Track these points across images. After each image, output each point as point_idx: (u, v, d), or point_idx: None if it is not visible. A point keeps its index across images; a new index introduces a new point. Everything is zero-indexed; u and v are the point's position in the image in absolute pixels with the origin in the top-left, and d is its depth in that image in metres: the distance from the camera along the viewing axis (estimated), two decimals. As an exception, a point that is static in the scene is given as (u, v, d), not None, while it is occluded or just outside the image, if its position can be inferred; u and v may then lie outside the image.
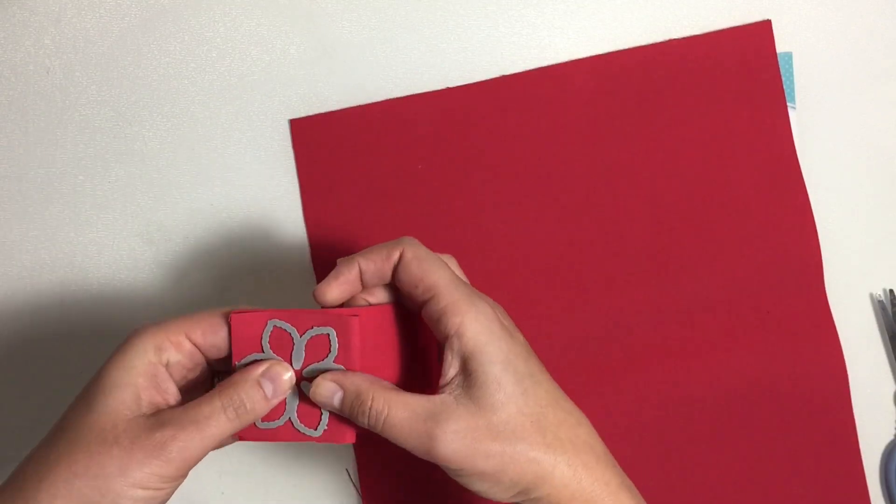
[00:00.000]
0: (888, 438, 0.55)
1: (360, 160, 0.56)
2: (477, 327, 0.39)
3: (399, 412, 0.39)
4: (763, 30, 0.57)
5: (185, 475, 0.38)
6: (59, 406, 0.41)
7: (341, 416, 0.41)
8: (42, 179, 0.57)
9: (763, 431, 0.55)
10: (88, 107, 0.58)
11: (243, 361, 0.41)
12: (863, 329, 0.56)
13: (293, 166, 0.57)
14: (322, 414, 0.42)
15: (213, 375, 0.44)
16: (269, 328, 0.41)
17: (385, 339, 0.43)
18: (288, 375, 0.40)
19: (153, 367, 0.39)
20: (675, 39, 0.57)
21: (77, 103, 0.58)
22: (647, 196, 0.56)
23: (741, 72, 0.56)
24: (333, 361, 0.41)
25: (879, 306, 0.56)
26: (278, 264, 0.56)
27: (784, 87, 0.56)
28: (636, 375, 0.55)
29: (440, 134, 0.57)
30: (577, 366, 0.55)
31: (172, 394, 0.40)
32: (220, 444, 0.40)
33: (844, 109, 0.57)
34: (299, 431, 0.42)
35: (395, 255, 0.41)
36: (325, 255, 0.56)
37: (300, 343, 0.41)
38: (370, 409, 0.39)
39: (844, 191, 0.57)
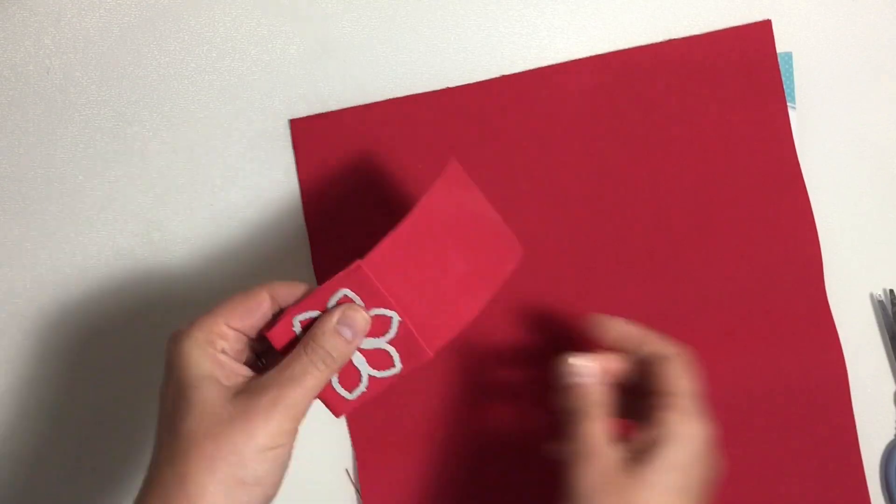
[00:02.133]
0: (888, 438, 0.55)
1: (360, 160, 0.56)
2: (692, 430, 0.42)
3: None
4: (763, 30, 0.57)
5: (298, 428, 0.41)
6: (59, 405, 0.41)
7: (374, 383, 0.44)
8: (42, 179, 0.57)
9: (763, 431, 0.55)
10: (88, 107, 0.58)
11: (301, 316, 0.42)
12: (863, 329, 0.56)
13: (293, 166, 0.57)
14: (361, 376, 0.43)
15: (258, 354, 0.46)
16: (338, 295, 0.42)
17: (425, 248, 0.44)
18: (361, 315, 0.42)
19: (215, 357, 0.42)
20: (675, 39, 0.57)
21: (77, 103, 0.58)
22: (646, 196, 0.56)
23: (741, 72, 0.56)
24: (388, 342, 0.43)
25: (879, 306, 0.56)
26: (278, 264, 0.56)
27: (784, 87, 0.56)
28: (636, 375, 0.55)
29: (440, 134, 0.57)
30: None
31: (245, 372, 0.43)
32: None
33: (844, 109, 0.57)
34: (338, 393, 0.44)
35: None
36: (326, 255, 0.56)
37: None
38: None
39: (844, 191, 0.57)
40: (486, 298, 0.45)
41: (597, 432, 0.42)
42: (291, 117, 0.57)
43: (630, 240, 0.56)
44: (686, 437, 0.42)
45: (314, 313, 0.42)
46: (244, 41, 0.58)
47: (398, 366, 0.43)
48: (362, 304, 0.42)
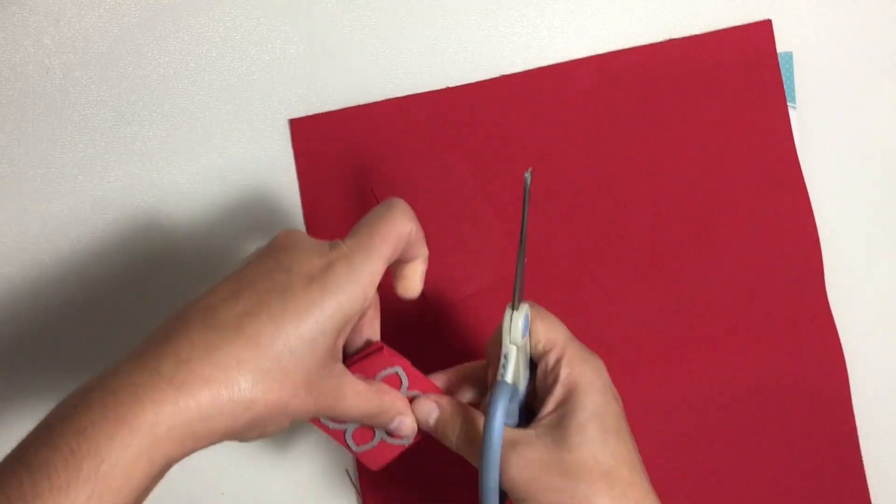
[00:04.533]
0: (888, 438, 0.55)
1: (360, 160, 0.56)
2: (583, 379, 0.41)
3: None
4: (763, 30, 0.57)
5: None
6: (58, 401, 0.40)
7: (382, 447, 0.44)
8: (42, 179, 0.57)
9: (763, 431, 0.55)
10: (88, 107, 0.58)
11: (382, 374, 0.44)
12: (863, 329, 0.56)
13: (293, 166, 0.57)
14: (374, 436, 0.44)
15: None
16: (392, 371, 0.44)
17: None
18: (411, 425, 0.44)
19: (366, 303, 0.38)
20: (675, 39, 0.57)
21: (77, 103, 0.58)
22: (646, 196, 0.56)
23: (741, 72, 0.56)
24: (408, 390, 0.44)
25: None
26: (278, 264, 0.56)
27: (784, 87, 0.56)
28: (635, 375, 0.55)
29: (440, 134, 0.57)
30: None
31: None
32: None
33: (844, 109, 0.57)
34: (347, 444, 0.45)
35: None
36: (325, 255, 0.56)
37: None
38: (458, 430, 0.42)
39: (844, 191, 0.57)
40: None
41: (495, 429, 0.38)
42: (291, 117, 0.57)
43: (630, 239, 0.56)
44: (587, 381, 0.41)
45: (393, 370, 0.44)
46: (244, 41, 0.58)
47: (409, 438, 0.45)
48: (406, 383, 0.44)
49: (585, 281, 0.56)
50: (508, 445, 0.39)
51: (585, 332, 0.56)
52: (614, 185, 0.56)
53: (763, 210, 0.56)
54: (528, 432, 0.40)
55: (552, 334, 0.42)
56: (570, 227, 0.56)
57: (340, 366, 0.40)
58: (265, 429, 0.36)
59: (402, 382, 0.44)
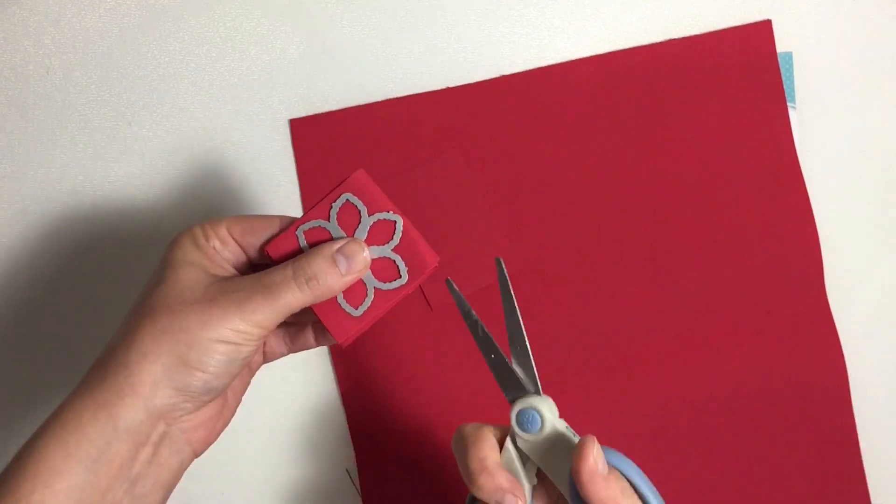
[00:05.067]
0: (888, 438, 0.55)
1: (360, 160, 0.56)
2: None
3: None
4: (763, 30, 0.57)
5: (263, 335, 0.40)
6: (57, 403, 0.40)
7: (379, 297, 0.42)
8: (42, 179, 0.57)
9: (763, 431, 0.55)
10: (88, 107, 0.58)
11: (305, 226, 0.42)
12: (863, 329, 0.56)
13: (293, 166, 0.57)
14: (367, 290, 0.42)
15: None
16: (341, 201, 0.41)
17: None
18: (362, 254, 0.41)
19: (206, 248, 0.41)
20: (675, 39, 0.57)
21: (77, 103, 0.58)
22: (646, 196, 0.56)
23: (741, 72, 0.56)
24: (392, 250, 0.42)
25: None
26: (278, 264, 0.56)
27: (784, 87, 0.56)
28: (636, 375, 0.55)
29: (440, 134, 0.57)
30: (577, 366, 0.55)
31: (231, 270, 0.42)
32: (290, 312, 0.40)
33: (844, 109, 0.57)
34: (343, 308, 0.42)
35: None
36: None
37: (366, 222, 0.42)
38: None
39: (844, 191, 0.57)
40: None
41: None
42: (291, 117, 0.57)
43: (630, 239, 0.56)
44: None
45: (318, 223, 0.41)
46: (244, 41, 0.58)
47: (404, 276, 0.42)
48: (365, 208, 0.41)
49: (585, 280, 0.56)
50: None
51: (586, 332, 0.56)
52: (614, 185, 0.56)
53: (763, 210, 0.56)
54: None
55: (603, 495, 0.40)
56: (569, 226, 0.56)
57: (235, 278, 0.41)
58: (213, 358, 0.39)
59: (393, 234, 0.42)
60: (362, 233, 0.42)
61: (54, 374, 0.56)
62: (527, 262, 0.56)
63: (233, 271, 0.42)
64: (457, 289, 0.42)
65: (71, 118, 0.57)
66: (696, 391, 0.55)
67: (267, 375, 0.44)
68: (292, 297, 0.39)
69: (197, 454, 0.42)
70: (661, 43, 0.57)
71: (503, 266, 0.42)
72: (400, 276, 0.42)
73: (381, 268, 0.42)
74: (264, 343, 0.45)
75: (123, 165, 0.57)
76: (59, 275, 0.57)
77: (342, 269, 0.40)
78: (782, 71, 0.56)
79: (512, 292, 0.42)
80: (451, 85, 0.57)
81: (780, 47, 0.57)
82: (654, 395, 0.55)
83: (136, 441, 0.38)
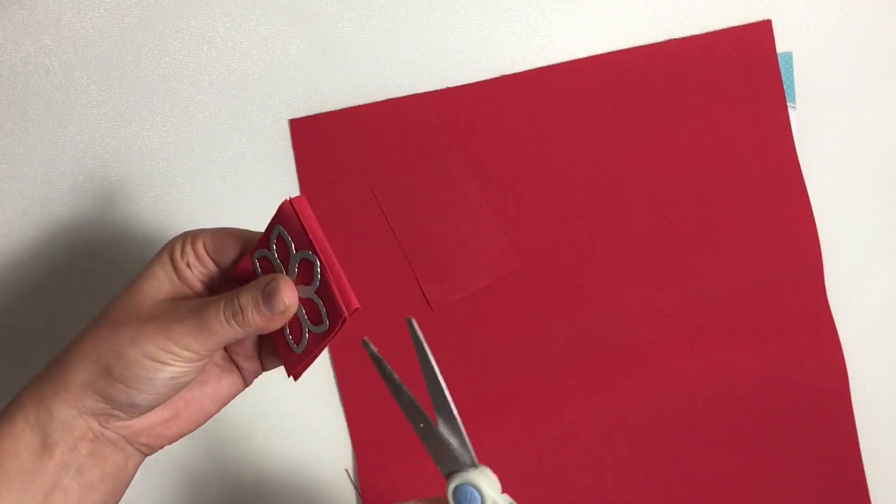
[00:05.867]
0: (888, 438, 0.55)
1: (360, 160, 0.56)
2: None
3: None
4: (763, 30, 0.57)
5: (195, 359, 0.39)
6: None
7: (312, 340, 0.40)
8: (42, 179, 0.57)
9: (763, 431, 0.55)
10: (88, 107, 0.58)
11: (258, 253, 0.40)
12: (863, 329, 0.56)
13: (293, 166, 0.57)
14: (302, 331, 0.40)
15: None
16: (276, 233, 0.40)
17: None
18: (284, 295, 0.39)
19: (181, 265, 0.41)
20: (675, 39, 0.57)
21: (77, 103, 0.58)
22: (647, 196, 0.56)
23: (741, 72, 0.56)
24: (315, 292, 0.39)
25: None
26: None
27: (784, 87, 0.56)
28: (636, 375, 0.55)
29: (440, 134, 0.57)
30: (578, 365, 0.55)
31: (197, 288, 0.42)
32: (227, 342, 0.40)
33: (844, 109, 0.57)
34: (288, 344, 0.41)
35: None
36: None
37: (294, 258, 0.40)
38: None
39: (844, 191, 0.57)
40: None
41: None
42: (291, 117, 0.57)
43: (630, 239, 0.56)
44: None
45: (264, 252, 0.40)
46: (244, 41, 0.58)
47: (325, 322, 0.39)
48: (291, 243, 0.39)
49: (586, 281, 0.56)
50: None
51: (586, 332, 0.56)
52: (614, 185, 0.56)
53: (763, 210, 0.56)
54: None
55: None
56: (569, 226, 0.56)
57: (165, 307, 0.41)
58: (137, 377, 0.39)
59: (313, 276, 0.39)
60: (293, 269, 0.40)
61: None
62: (527, 262, 0.56)
63: (199, 288, 0.42)
64: (375, 349, 0.39)
65: (71, 118, 0.57)
66: (696, 391, 0.55)
67: (267, 375, 0.44)
68: (220, 328, 0.39)
69: (146, 455, 0.42)
70: (661, 43, 0.57)
71: (416, 327, 0.38)
72: (322, 322, 0.39)
73: (311, 309, 0.40)
74: (238, 366, 0.44)
75: (123, 165, 0.57)
76: (59, 275, 0.57)
77: (265, 308, 0.39)
78: (782, 71, 0.56)
79: (430, 354, 0.38)
80: (451, 85, 0.57)
81: (780, 47, 0.57)
82: (654, 394, 0.55)
83: (73, 434, 0.39)
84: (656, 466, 0.55)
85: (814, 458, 0.55)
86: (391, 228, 0.56)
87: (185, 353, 0.39)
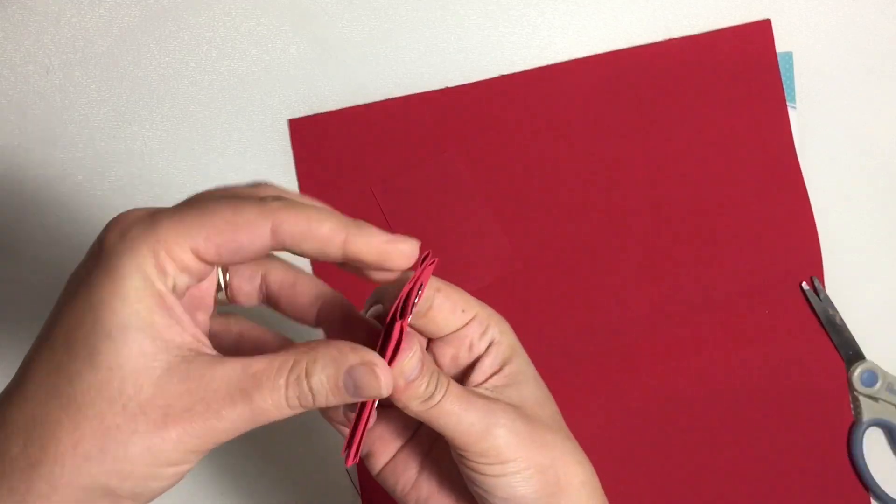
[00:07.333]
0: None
1: (359, 160, 0.56)
2: (513, 338, 0.37)
3: (456, 399, 0.33)
4: (763, 30, 0.57)
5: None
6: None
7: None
8: (42, 179, 0.57)
9: (763, 431, 0.55)
10: (88, 107, 0.58)
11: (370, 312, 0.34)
12: (863, 329, 0.56)
13: (293, 166, 0.57)
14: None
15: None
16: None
17: None
18: (380, 379, 0.30)
19: (167, 295, 0.28)
20: (675, 39, 0.57)
21: (77, 103, 0.58)
22: (646, 195, 0.56)
23: (741, 72, 0.56)
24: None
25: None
26: (278, 264, 0.56)
27: (784, 87, 0.56)
28: (635, 374, 0.55)
29: (440, 134, 0.57)
30: (577, 364, 0.55)
31: (201, 323, 0.31)
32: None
33: (844, 109, 0.57)
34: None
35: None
36: (325, 255, 0.56)
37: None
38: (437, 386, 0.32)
39: (844, 191, 0.57)
40: None
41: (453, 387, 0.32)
42: (291, 117, 0.57)
43: (630, 239, 0.56)
44: (508, 338, 0.36)
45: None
46: (244, 41, 0.58)
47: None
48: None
49: (585, 280, 0.56)
50: (486, 409, 0.33)
51: (586, 331, 0.56)
52: (614, 185, 0.56)
53: (763, 210, 0.56)
54: (489, 394, 0.34)
55: (471, 303, 0.36)
56: (569, 225, 0.56)
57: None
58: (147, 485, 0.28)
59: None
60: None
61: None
62: (527, 262, 0.56)
63: (198, 335, 0.29)
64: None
65: (71, 118, 0.57)
66: (695, 390, 0.55)
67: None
68: (278, 413, 0.29)
69: None
70: (660, 43, 0.57)
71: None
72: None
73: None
74: (230, 286, 0.34)
75: (123, 165, 0.57)
76: (59, 276, 0.57)
77: (347, 394, 0.30)
78: (782, 71, 0.56)
79: None
80: (451, 85, 0.57)
81: (780, 47, 0.57)
82: (654, 393, 0.55)
83: None
84: (656, 466, 0.55)
85: (814, 457, 0.54)
86: (391, 228, 0.56)
87: (216, 444, 0.29)
